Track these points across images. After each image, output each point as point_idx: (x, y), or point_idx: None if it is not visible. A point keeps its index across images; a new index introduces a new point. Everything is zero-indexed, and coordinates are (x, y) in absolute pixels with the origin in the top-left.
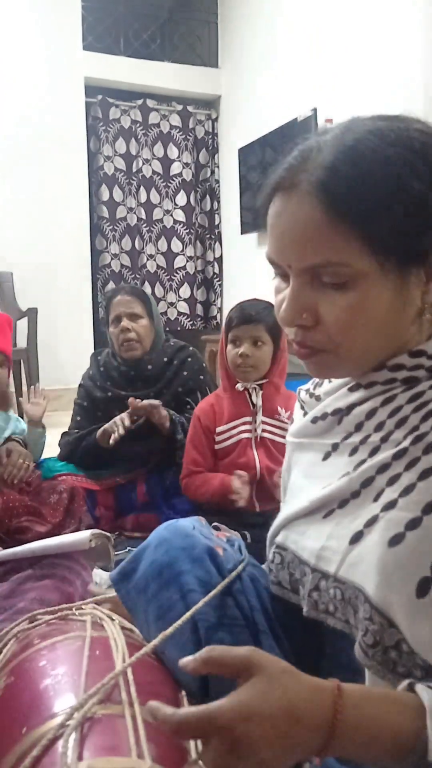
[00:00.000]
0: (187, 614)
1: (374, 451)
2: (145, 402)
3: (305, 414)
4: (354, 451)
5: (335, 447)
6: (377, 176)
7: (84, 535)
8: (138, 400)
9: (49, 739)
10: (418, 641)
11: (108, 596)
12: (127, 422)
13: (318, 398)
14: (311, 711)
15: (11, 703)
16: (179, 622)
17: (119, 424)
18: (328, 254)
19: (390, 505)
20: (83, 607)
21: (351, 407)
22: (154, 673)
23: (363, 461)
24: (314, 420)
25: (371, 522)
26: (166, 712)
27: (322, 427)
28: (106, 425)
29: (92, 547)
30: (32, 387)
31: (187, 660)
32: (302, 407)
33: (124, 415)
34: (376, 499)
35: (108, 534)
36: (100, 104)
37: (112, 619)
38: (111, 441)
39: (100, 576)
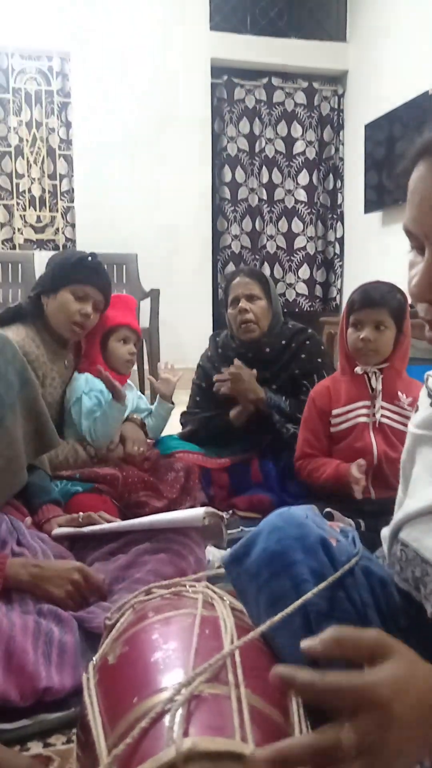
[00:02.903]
0: (298, 602)
1: None
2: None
3: None
4: None
5: None
6: None
7: (198, 512)
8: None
9: (158, 712)
10: None
11: (221, 572)
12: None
13: None
14: None
15: (125, 671)
16: (290, 608)
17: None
18: None
19: None
20: (195, 584)
21: None
22: (261, 658)
23: None
24: None
25: None
26: (305, 677)
27: None
28: (239, 410)
29: (205, 524)
30: (165, 364)
31: (312, 642)
32: (430, 395)
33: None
34: None
35: (221, 513)
36: (225, 85)
37: (223, 600)
38: None
39: (212, 554)
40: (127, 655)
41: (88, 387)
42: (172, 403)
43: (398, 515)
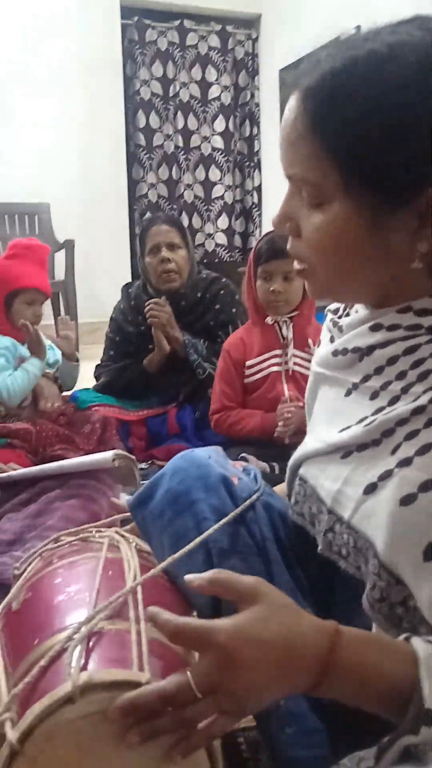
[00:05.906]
0: (198, 539)
1: (394, 401)
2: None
3: (332, 339)
4: (374, 395)
5: (355, 386)
6: (361, 92)
7: (107, 455)
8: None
9: (57, 650)
10: (421, 602)
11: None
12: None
13: (341, 329)
14: (307, 647)
15: (27, 616)
16: (190, 545)
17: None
18: (301, 168)
19: (405, 462)
20: (103, 529)
21: (371, 348)
22: (165, 594)
23: (382, 408)
24: (335, 353)
25: (386, 476)
26: (166, 617)
27: (343, 362)
28: (152, 354)
29: (116, 466)
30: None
31: (193, 576)
32: (329, 330)
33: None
34: (393, 452)
35: (132, 456)
36: (136, 26)
37: (129, 542)
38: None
39: (126, 500)
40: (30, 600)
41: None
42: (77, 360)
43: (298, 451)
